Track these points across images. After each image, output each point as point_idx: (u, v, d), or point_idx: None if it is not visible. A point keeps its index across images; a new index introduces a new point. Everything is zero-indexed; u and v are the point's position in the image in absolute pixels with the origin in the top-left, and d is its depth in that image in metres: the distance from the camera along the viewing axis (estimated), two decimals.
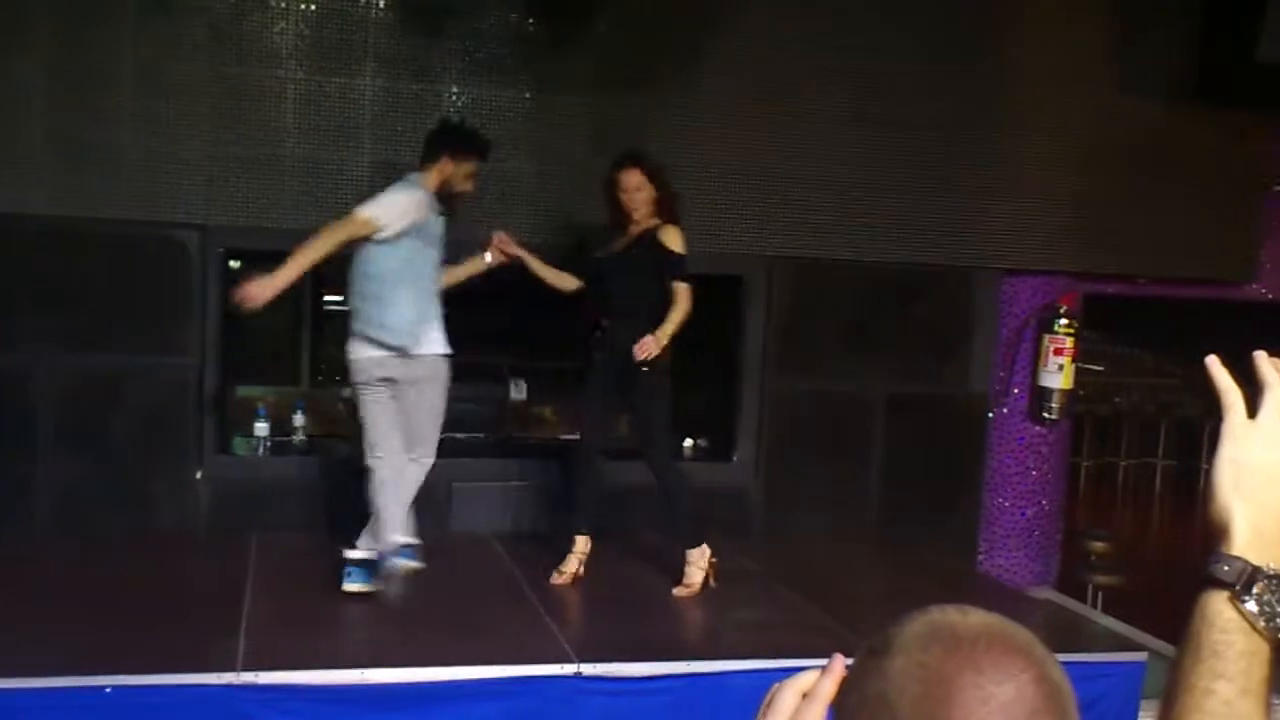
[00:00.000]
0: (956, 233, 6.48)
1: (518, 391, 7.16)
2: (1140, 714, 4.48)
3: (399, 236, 4.57)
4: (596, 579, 5.31)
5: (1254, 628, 1.10)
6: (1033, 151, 6.52)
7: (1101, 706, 4.35)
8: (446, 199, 4.88)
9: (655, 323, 4.88)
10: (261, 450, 6.15)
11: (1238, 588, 1.11)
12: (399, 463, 4.77)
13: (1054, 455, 6.99)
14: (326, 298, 6.99)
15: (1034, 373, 6.76)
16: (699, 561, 4.99)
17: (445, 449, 6.35)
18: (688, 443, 6.63)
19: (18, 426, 5.51)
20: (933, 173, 6.36)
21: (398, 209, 4.56)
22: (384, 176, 5.04)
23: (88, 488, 5.55)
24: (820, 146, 6.22)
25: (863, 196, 6.32)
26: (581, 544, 5.11)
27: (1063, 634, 5.15)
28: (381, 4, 5.72)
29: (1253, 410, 1.17)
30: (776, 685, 1.10)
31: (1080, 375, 6.95)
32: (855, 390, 6.53)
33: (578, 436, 5.41)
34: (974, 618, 1.01)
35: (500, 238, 5.14)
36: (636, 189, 4.94)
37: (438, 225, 4.78)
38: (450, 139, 4.84)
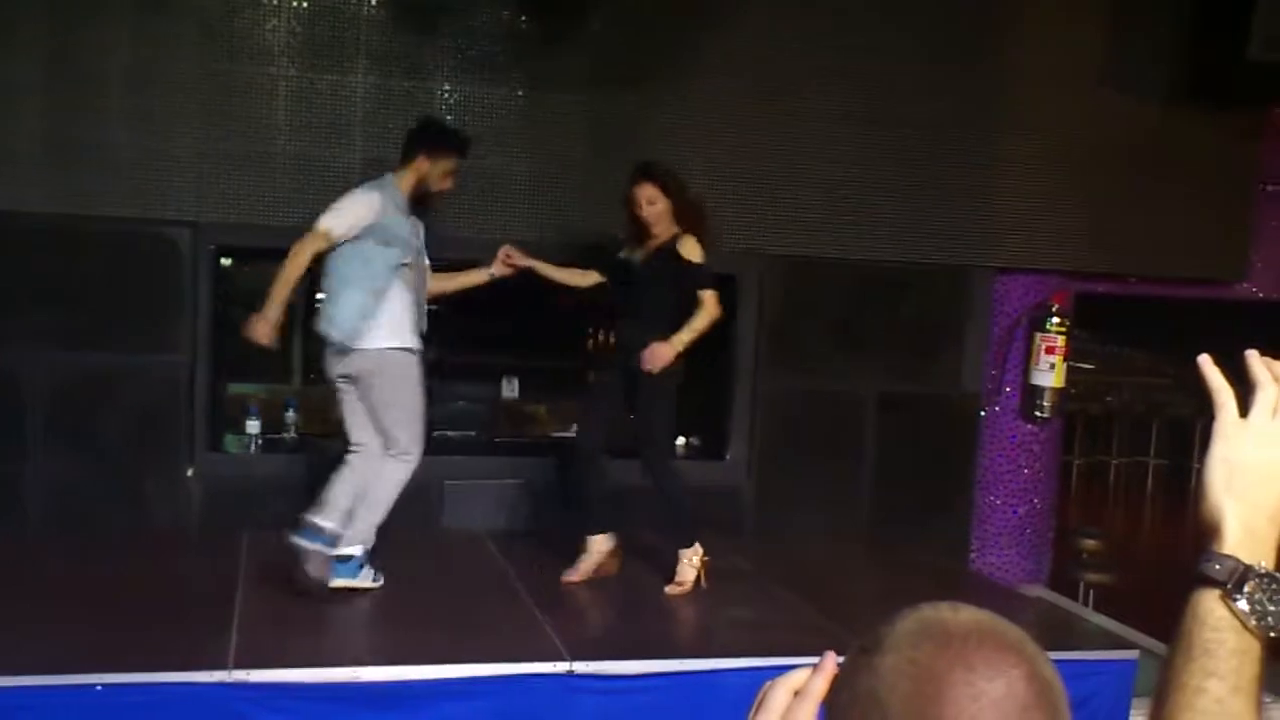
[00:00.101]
0: (948, 231, 6.48)
1: (510, 390, 7.16)
2: (1132, 712, 4.49)
3: (356, 238, 4.65)
4: (589, 578, 5.31)
5: (1245, 626, 1.10)
6: (1025, 150, 6.53)
7: (1093, 704, 4.36)
8: (425, 197, 4.88)
9: (670, 331, 4.89)
10: (253, 448, 6.14)
11: (1229, 586, 1.11)
12: (372, 459, 4.79)
13: (1046, 454, 7.00)
14: (318, 296, 6.98)
15: (1026, 371, 6.77)
16: (692, 560, 4.99)
17: (437, 447, 6.39)
18: (680, 441, 6.63)
19: (8, 424, 5.50)
20: (925, 172, 6.37)
21: (351, 216, 4.64)
22: (375, 174, 5.03)
23: (79, 485, 5.54)
24: (813, 145, 6.22)
25: (855, 195, 6.33)
26: (599, 543, 5.08)
27: (1054, 632, 5.16)
28: (373, 1, 5.71)
29: (1244, 409, 1.17)
30: (768, 683, 1.10)
31: (1072, 374, 6.97)
32: (848, 389, 6.54)
33: (575, 435, 5.37)
34: (965, 615, 1.01)
35: (506, 251, 5.14)
36: (650, 202, 4.90)
37: (402, 225, 4.76)
38: (425, 137, 4.85)
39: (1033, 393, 6.74)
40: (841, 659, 1.06)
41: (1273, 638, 1.11)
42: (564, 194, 5.96)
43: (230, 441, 6.14)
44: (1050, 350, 6.66)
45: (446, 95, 5.84)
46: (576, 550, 5.11)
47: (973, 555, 6.83)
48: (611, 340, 7.52)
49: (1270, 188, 7.04)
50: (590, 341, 8.13)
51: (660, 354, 4.83)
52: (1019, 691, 0.97)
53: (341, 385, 4.79)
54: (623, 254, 5.13)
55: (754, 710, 1.09)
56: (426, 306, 5.01)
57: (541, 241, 5.60)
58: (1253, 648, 1.11)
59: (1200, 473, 1.18)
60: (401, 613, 4.70)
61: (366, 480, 4.76)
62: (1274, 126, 6.97)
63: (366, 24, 5.72)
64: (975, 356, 6.77)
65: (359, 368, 4.72)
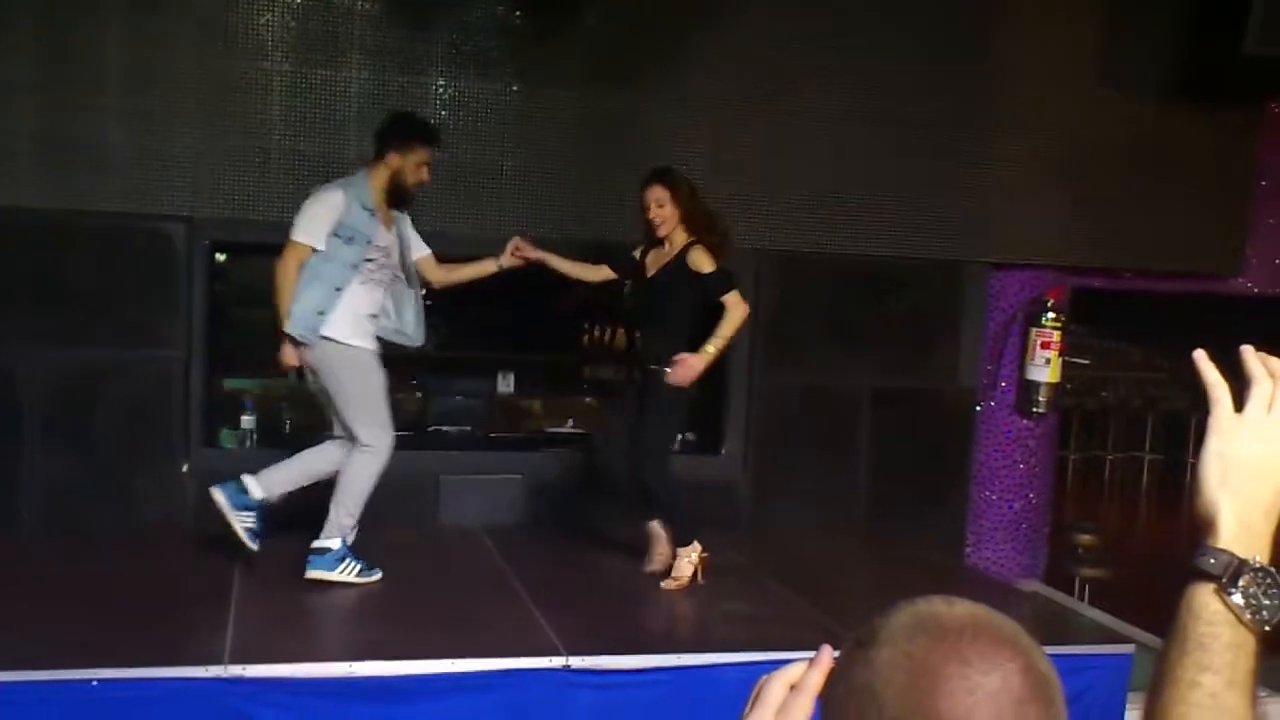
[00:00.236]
0: (944, 227, 6.48)
1: (506, 385, 7.16)
2: (1127, 706, 4.50)
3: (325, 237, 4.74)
4: (585, 573, 5.32)
5: (1240, 620, 1.11)
6: (1020, 146, 6.53)
7: (1088, 699, 4.37)
8: (404, 192, 4.88)
9: (684, 341, 4.92)
10: (248, 443, 6.13)
11: (1224, 580, 1.11)
12: (327, 450, 4.90)
13: (1041, 449, 7.01)
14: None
15: (1021, 366, 6.78)
16: (690, 557, 4.99)
17: (433, 442, 6.40)
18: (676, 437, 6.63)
19: (3, 421, 5.49)
20: (920, 167, 6.37)
21: (317, 222, 4.70)
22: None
23: (74, 481, 5.54)
24: (808, 141, 6.22)
25: (851, 191, 6.33)
26: (658, 528, 5.10)
27: (1050, 626, 5.17)
28: None
29: (1239, 404, 1.17)
30: (764, 677, 1.10)
31: (1067, 369, 6.98)
32: (843, 384, 6.54)
33: (602, 441, 5.34)
34: (960, 609, 1.02)
35: (516, 243, 5.14)
36: (659, 204, 4.90)
37: (367, 223, 4.76)
38: (394, 133, 4.86)
39: (1028, 388, 6.75)
40: (837, 653, 1.06)
41: (1267, 632, 1.12)
42: (558, 190, 5.95)
43: (225, 437, 6.13)
44: (1046, 345, 6.67)
45: (440, 90, 5.84)
46: (642, 547, 5.15)
47: (968, 550, 6.84)
48: (608, 338, 7.55)
49: (1266, 183, 7.05)
50: (586, 337, 8.14)
51: (690, 366, 4.86)
52: (1014, 685, 0.97)
53: (309, 378, 4.88)
54: (635, 252, 5.14)
55: (750, 704, 1.09)
56: (421, 299, 5.07)
57: (535, 238, 5.58)
58: (1247, 642, 1.11)
59: (1195, 468, 1.19)
60: (397, 608, 4.70)
61: (343, 472, 4.80)
62: (1270, 122, 6.98)
63: (360, 19, 5.71)
64: (971, 352, 6.77)
65: (316, 361, 4.78)
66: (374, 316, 4.89)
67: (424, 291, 5.15)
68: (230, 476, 4.85)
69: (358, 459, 4.78)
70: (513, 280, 5.33)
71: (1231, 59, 5.91)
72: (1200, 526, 1.16)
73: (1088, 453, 13.60)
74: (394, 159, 4.82)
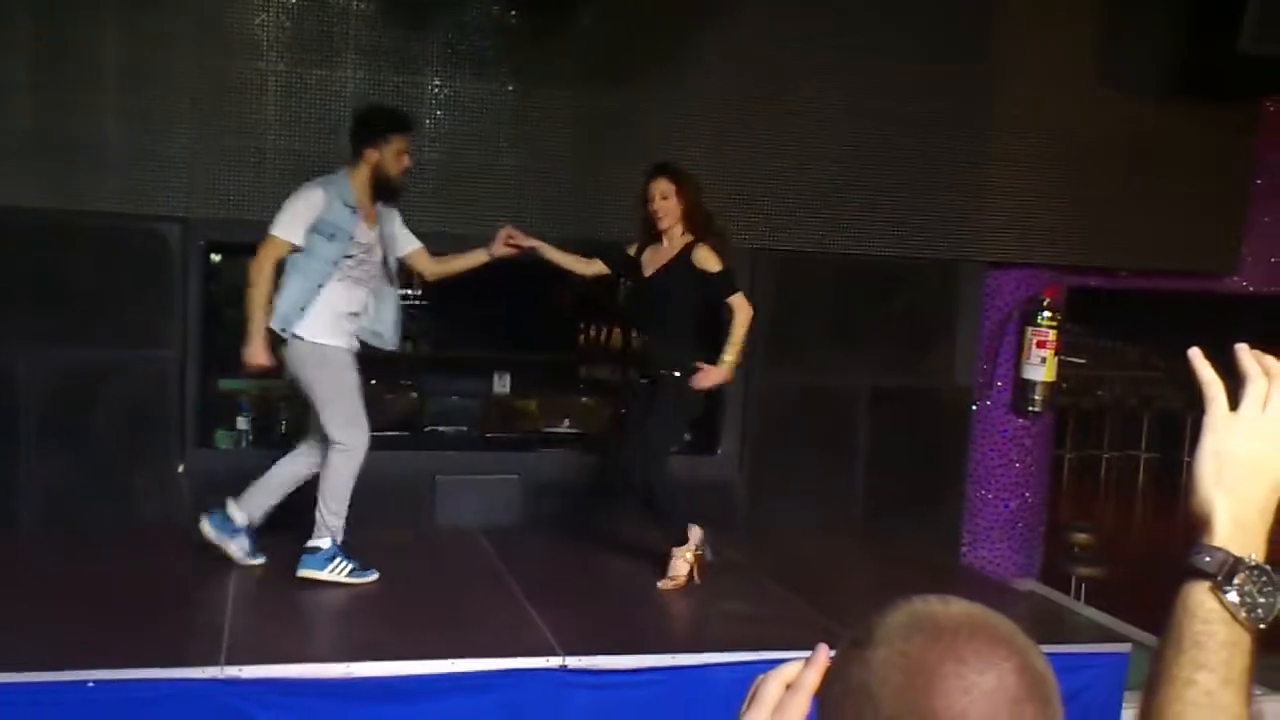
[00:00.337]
0: (940, 226, 6.49)
1: (502, 385, 7.16)
2: (1124, 705, 4.51)
3: (305, 235, 4.75)
4: (582, 572, 5.31)
5: (1235, 618, 1.11)
6: (1016, 145, 6.53)
7: (1085, 698, 4.37)
8: (389, 184, 4.89)
9: (689, 342, 4.93)
10: (244, 444, 6.13)
11: (1219, 578, 1.11)
12: (301, 455, 4.94)
13: (1037, 448, 7.02)
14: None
15: (1017, 365, 6.78)
16: (685, 556, 4.99)
17: (429, 442, 6.40)
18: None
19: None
20: (917, 167, 6.37)
21: (295, 218, 4.72)
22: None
23: (69, 481, 5.53)
24: (805, 141, 6.22)
25: (847, 191, 6.33)
26: (693, 534, 5.10)
27: (1046, 625, 5.17)
28: None
29: (1234, 403, 1.17)
30: (761, 677, 1.10)
31: (1063, 368, 6.98)
32: (840, 383, 6.54)
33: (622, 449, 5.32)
34: (956, 608, 1.02)
35: (508, 232, 5.13)
36: (664, 196, 4.90)
37: (348, 220, 4.77)
38: (366, 130, 4.87)
39: (1024, 387, 6.75)
40: (833, 652, 1.06)
41: (1262, 630, 1.12)
42: (553, 189, 5.95)
43: (221, 437, 6.12)
44: (1042, 344, 6.67)
45: (436, 90, 5.83)
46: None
47: (964, 549, 6.84)
48: (605, 338, 7.54)
49: (1262, 182, 7.06)
50: (583, 337, 8.14)
51: (712, 377, 4.88)
52: (1010, 684, 0.97)
53: (289, 377, 4.90)
54: (629, 250, 5.12)
55: (746, 704, 1.09)
56: (399, 301, 5.10)
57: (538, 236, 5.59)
58: (1242, 640, 1.11)
59: (1191, 466, 1.19)
60: (394, 608, 4.70)
61: (322, 473, 4.82)
62: (1266, 121, 6.99)
63: (356, 19, 5.71)
64: (967, 351, 6.78)
65: (290, 360, 4.80)
66: (354, 315, 4.89)
67: (419, 292, 5.16)
68: (226, 476, 4.88)
69: (334, 459, 4.78)
70: (510, 280, 5.33)
71: (1228, 58, 5.93)
72: (1195, 525, 1.16)
73: (1084, 452, 13.61)
74: (371, 154, 4.82)
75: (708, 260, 4.90)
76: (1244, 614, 1.11)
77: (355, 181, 4.83)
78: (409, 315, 6.00)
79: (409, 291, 7.86)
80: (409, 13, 5.75)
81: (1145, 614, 4.98)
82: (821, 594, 4.93)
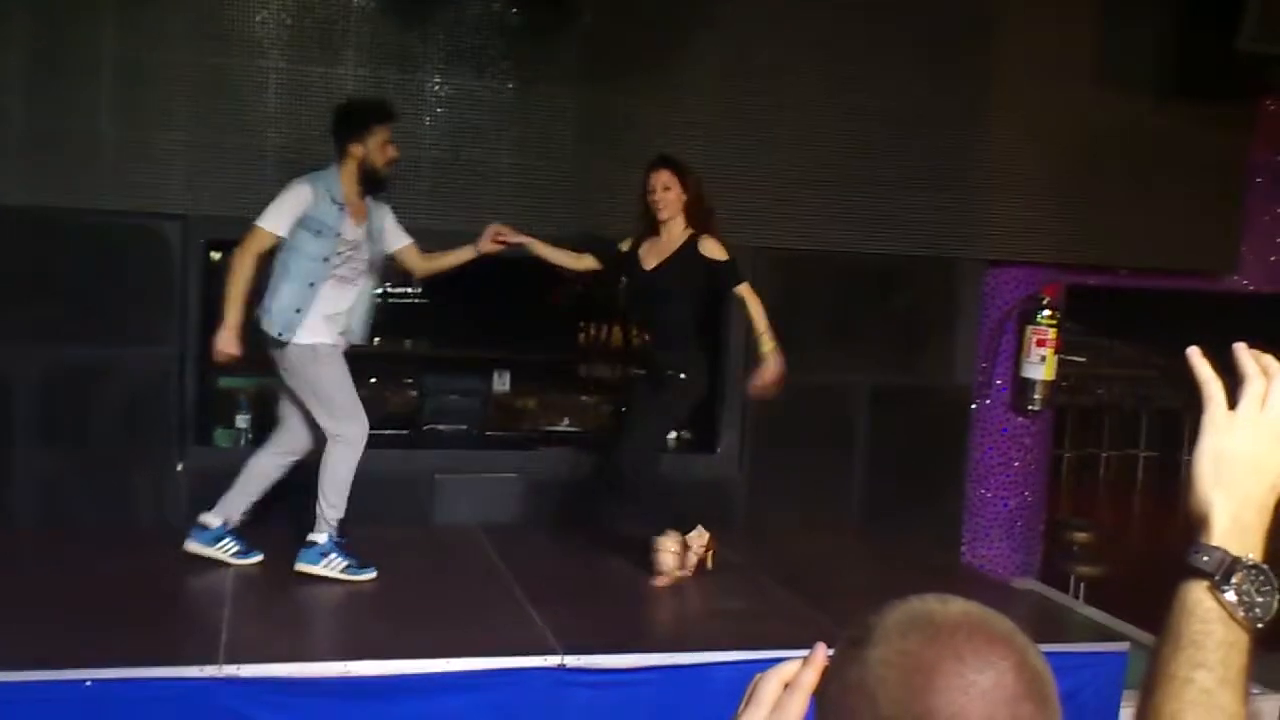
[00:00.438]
0: (940, 224, 6.49)
1: (501, 383, 7.16)
2: (1122, 704, 4.50)
3: (292, 230, 4.75)
4: (581, 571, 5.31)
5: (1233, 617, 1.11)
6: (1015, 144, 6.53)
7: (1083, 696, 4.37)
8: (374, 176, 4.89)
9: (691, 340, 4.94)
10: (243, 442, 6.12)
11: (1217, 578, 1.11)
12: (267, 455, 4.99)
13: (1036, 446, 7.02)
14: None
15: (1017, 364, 6.78)
16: (668, 547, 4.96)
17: (428, 440, 6.40)
18: (671, 435, 6.63)
19: None
20: (915, 165, 6.37)
21: (282, 212, 4.72)
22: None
23: (67, 480, 5.53)
24: (804, 139, 6.22)
25: (847, 188, 6.33)
26: (695, 539, 5.09)
27: (1045, 624, 5.17)
28: None
29: (1233, 402, 1.17)
30: (759, 675, 1.10)
31: (1062, 367, 6.98)
32: (839, 382, 6.54)
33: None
34: (954, 606, 1.02)
35: (495, 229, 5.13)
36: (665, 187, 4.90)
37: (335, 216, 4.79)
38: (347, 126, 4.87)
39: (1024, 385, 6.75)
40: (831, 651, 1.06)
41: (1260, 629, 1.12)
42: (553, 187, 5.95)
43: (220, 435, 6.12)
44: (1041, 343, 6.67)
45: (436, 88, 5.83)
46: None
47: (963, 548, 6.84)
48: (605, 336, 7.54)
49: (1261, 181, 7.07)
50: (583, 335, 8.14)
51: (769, 373, 4.87)
52: (1008, 682, 0.97)
53: (278, 374, 4.93)
54: (623, 246, 5.11)
55: (745, 703, 1.09)
56: (373, 297, 5.12)
57: (535, 235, 5.59)
58: (1240, 639, 1.11)
59: (1189, 465, 1.19)
60: (392, 607, 4.70)
61: (322, 467, 4.84)
62: (1265, 120, 6.99)
63: (356, 16, 5.71)
64: (966, 349, 6.78)
65: (285, 363, 4.84)
66: (339, 313, 4.91)
67: (419, 290, 5.18)
68: (224, 475, 4.89)
69: (334, 451, 4.82)
70: (510, 278, 5.33)
71: (1226, 57, 5.93)
72: (1194, 524, 1.16)
73: (1083, 450, 13.61)
74: (356, 149, 4.83)
75: (715, 250, 4.90)
76: (1242, 613, 1.11)
77: (343, 177, 4.83)
78: (408, 314, 6.01)
79: (409, 289, 7.88)
80: (409, 10, 5.74)
81: (1144, 613, 4.98)
82: (820, 593, 4.93)
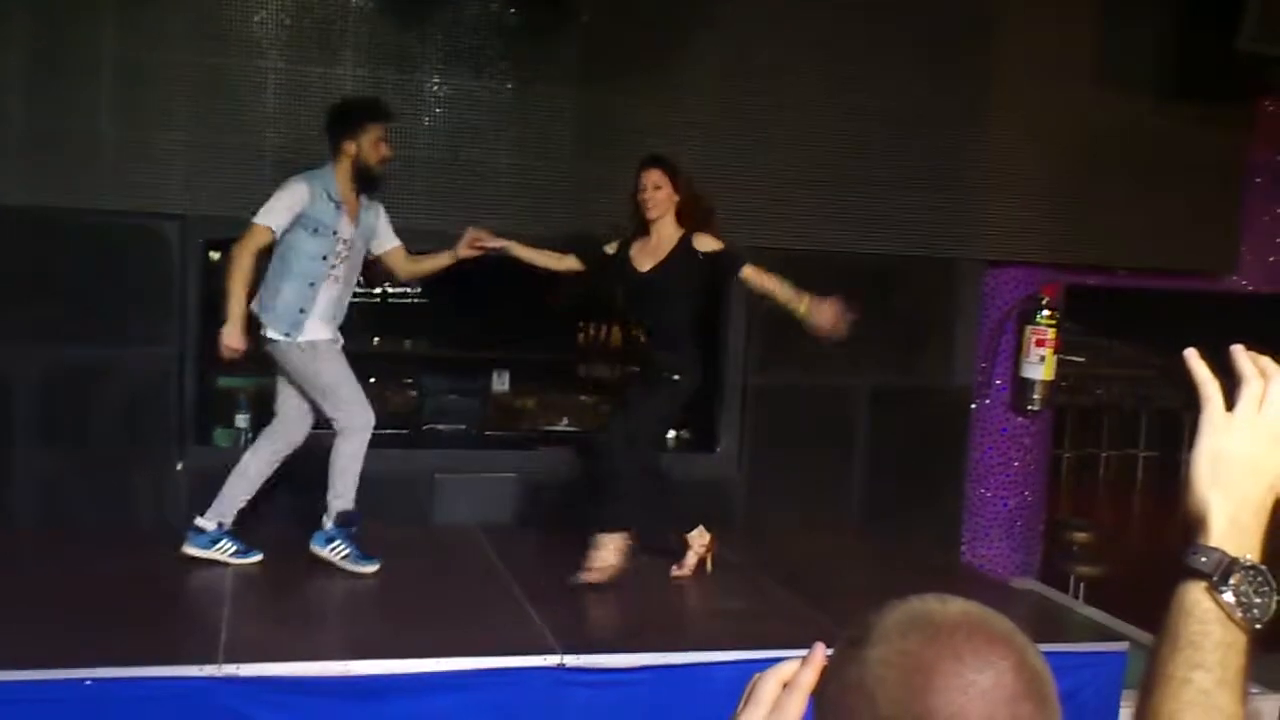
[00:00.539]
0: (939, 225, 6.49)
1: (501, 383, 7.16)
2: (1121, 704, 4.51)
3: (289, 229, 4.79)
4: (580, 571, 5.31)
5: (1231, 618, 1.11)
6: (1015, 144, 6.53)
7: (1083, 696, 4.37)
8: (367, 174, 4.90)
9: (689, 342, 4.93)
10: (242, 441, 6.11)
11: (1215, 579, 1.11)
12: (259, 452, 5.01)
13: (1036, 446, 7.02)
14: None
15: (1016, 364, 6.78)
16: (610, 545, 4.88)
17: (428, 440, 6.40)
18: (670, 435, 6.63)
19: None
20: (914, 165, 6.37)
21: (279, 209, 4.75)
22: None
23: (67, 480, 5.52)
24: (805, 139, 6.22)
25: (846, 189, 6.33)
26: (696, 538, 5.10)
27: (1044, 624, 5.17)
28: None
29: (1230, 403, 1.17)
30: (758, 675, 1.10)
31: (1062, 367, 6.98)
32: (839, 382, 6.54)
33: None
34: (953, 606, 1.02)
35: (474, 234, 5.14)
36: (655, 186, 4.88)
37: (332, 214, 4.81)
38: (340, 125, 4.89)
39: (1023, 385, 6.75)
40: (830, 651, 1.06)
41: (1258, 630, 1.12)
42: (552, 187, 5.95)
43: (220, 435, 6.12)
44: (1040, 343, 6.67)
45: (435, 88, 5.83)
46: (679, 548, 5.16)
47: (963, 548, 6.84)
48: (603, 336, 7.53)
49: (1260, 181, 7.07)
50: (582, 335, 8.14)
51: (836, 315, 4.81)
52: (1008, 682, 0.97)
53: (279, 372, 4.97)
54: (609, 248, 5.08)
55: (743, 702, 1.09)
56: (409, 295, 5.14)
57: (531, 235, 5.58)
58: (1238, 640, 1.11)
59: (1188, 465, 1.19)
60: (392, 606, 4.70)
61: (332, 459, 4.91)
62: (1264, 120, 6.99)
63: (355, 16, 5.71)
64: (966, 349, 6.77)
65: (288, 364, 4.89)
66: (334, 312, 4.96)
67: (418, 289, 5.19)
68: (223, 474, 4.90)
69: (341, 445, 4.89)
70: (509, 278, 5.32)
71: (1226, 57, 5.93)
72: (1191, 525, 1.16)
73: (1082, 450, 13.61)
74: (349, 147, 4.86)
75: (710, 243, 4.89)
76: (1240, 614, 1.11)
77: (339, 176, 4.86)
78: (408, 314, 6.02)
79: (408, 289, 7.88)
80: (407, 10, 5.74)
81: (1143, 613, 4.98)
82: (819, 592, 4.92)
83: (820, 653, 1.07)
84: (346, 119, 4.88)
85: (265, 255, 4.83)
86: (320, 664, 3.93)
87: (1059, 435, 10.64)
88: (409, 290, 7.87)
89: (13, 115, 5.38)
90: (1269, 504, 1.16)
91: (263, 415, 6.25)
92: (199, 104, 5.56)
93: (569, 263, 5.18)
